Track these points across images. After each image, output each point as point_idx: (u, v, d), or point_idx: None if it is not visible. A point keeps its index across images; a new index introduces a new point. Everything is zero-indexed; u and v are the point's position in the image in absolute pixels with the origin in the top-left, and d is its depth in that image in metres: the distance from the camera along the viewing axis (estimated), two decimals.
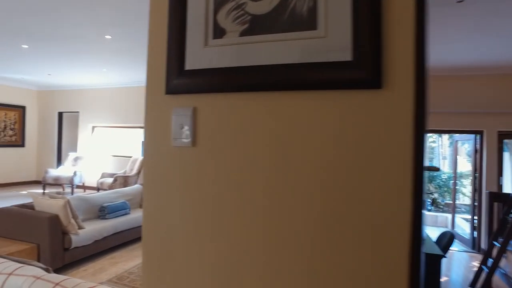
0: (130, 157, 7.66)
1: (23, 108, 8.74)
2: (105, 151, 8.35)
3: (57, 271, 3.54)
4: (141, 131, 9.01)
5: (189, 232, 0.93)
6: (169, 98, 0.96)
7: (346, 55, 0.78)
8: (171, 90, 0.95)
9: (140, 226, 4.93)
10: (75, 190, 7.58)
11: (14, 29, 4.23)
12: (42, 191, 7.53)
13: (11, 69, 6.74)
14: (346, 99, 0.79)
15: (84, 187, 8.10)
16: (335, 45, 0.79)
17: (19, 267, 1.82)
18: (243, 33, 0.88)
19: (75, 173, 7.34)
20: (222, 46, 0.91)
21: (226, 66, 0.90)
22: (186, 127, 0.92)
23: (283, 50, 0.83)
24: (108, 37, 4.29)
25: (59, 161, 8.86)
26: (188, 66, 0.93)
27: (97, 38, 4.40)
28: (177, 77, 0.94)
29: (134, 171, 6.96)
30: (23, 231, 3.89)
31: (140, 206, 5.46)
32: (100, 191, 7.05)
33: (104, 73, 6.72)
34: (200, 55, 0.93)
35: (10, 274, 1.75)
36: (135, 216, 4.89)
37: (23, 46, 4.92)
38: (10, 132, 8.46)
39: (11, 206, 4.14)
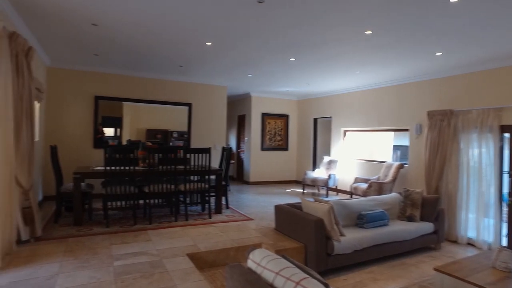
0: (383, 162, 7.19)
1: (287, 117, 10.07)
2: (357, 155, 8.28)
3: (320, 275, 3.51)
4: (393, 134, 8.40)
5: None
6: None
7: None
8: None
9: (403, 241, 4.39)
10: (328, 192, 7.89)
11: (285, 44, 4.67)
12: (302, 190, 8.30)
13: (280, 83, 7.80)
14: None
15: (336, 190, 8.34)
16: None
17: (304, 278, 1.66)
18: None
19: (329, 176, 7.64)
20: None
21: None
22: None
23: None
24: (368, 32, 3.99)
25: (314, 164, 9.58)
26: None
27: (356, 36, 4.19)
28: None
29: (389, 178, 6.42)
30: (293, 229, 4.16)
31: (398, 217, 4.87)
32: (354, 196, 6.98)
33: (357, 76, 6.60)
34: None
35: (297, 283, 1.62)
36: (395, 228, 4.34)
37: (291, 59, 5.45)
38: (278, 138, 9.93)
39: (284, 204, 4.55)
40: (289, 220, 4.26)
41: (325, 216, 3.78)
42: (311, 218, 3.78)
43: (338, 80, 7.17)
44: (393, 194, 5.19)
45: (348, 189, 7.81)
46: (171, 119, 7.59)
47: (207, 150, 5.03)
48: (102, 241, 3.93)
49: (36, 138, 5.01)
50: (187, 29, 4.18)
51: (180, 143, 7.56)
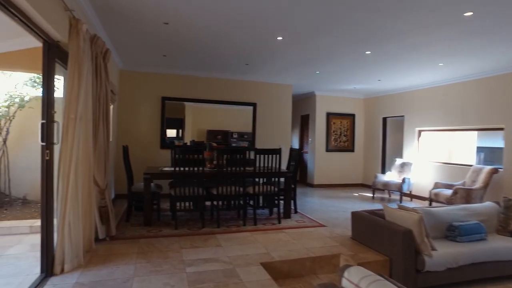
0: (469, 165, 6.37)
1: (353, 116, 9.48)
2: (433, 157, 7.48)
3: None
4: (476, 134, 7.43)
5: None
6: None
7: None
8: None
9: (508, 261, 3.71)
10: (402, 198, 7.20)
11: (362, 35, 4.25)
12: (372, 195, 7.70)
13: (349, 80, 7.31)
14: None
15: (411, 196, 7.60)
16: None
17: None
18: None
19: (403, 180, 6.96)
20: None
21: None
22: None
23: None
24: (468, 14, 3.43)
25: (383, 167, 8.89)
26: None
27: (451, 20, 3.64)
28: None
29: (479, 184, 5.63)
30: (375, 240, 3.73)
31: (498, 232, 4.16)
32: (433, 203, 6.27)
33: (439, 69, 5.89)
34: None
35: None
36: (497, 245, 3.69)
37: (366, 52, 4.99)
38: (344, 138, 9.39)
39: (362, 211, 4.13)
40: (369, 229, 3.84)
41: (414, 226, 3.31)
42: (398, 229, 3.34)
43: (415, 75, 6.51)
44: (489, 204, 4.47)
45: (425, 195, 7.08)
46: (232, 120, 7.51)
47: (277, 151, 4.78)
48: (172, 243, 3.86)
49: (110, 139, 5.17)
50: (260, 24, 3.98)
51: (245, 144, 7.43)
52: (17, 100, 5.56)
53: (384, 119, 8.94)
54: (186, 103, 7.12)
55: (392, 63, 5.63)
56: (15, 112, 5.59)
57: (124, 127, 6.68)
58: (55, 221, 2.99)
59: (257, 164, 5.28)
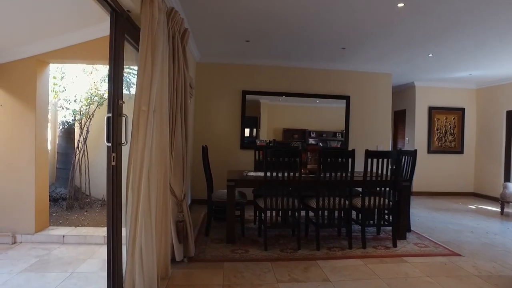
0: None
1: (462, 111, 7.80)
2: None
3: None
4: None
5: None
6: None
7: None
8: None
9: None
10: None
11: None
12: (499, 210, 6.07)
13: (469, 64, 5.79)
14: None
15: None
16: None
17: None
18: None
19: None
20: None
21: None
22: None
23: None
24: None
25: (508, 173, 7.10)
26: None
27: None
28: None
29: None
30: None
31: None
32: None
33: None
34: None
35: None
36: None
37: None
38: (450, 138, 7.76)
39: None
40: None
41: None
42: None
43: None
44: None
45: None
46: (310, 117, 6.53)
47: (392, 154, 3.67)
48: (264, 272, 3.01)
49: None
50: None
51: (336, 144, 6.38)
52: (96, 98, 5.30)
53: (509, 113, 7.13)
54: (261, 101, 6.34)
55: None
56: (94, 110, 5.34)
57: (201, 125, 6.11)
58: (123, 231, 2.33)
59: (352, 170, 4.21)
